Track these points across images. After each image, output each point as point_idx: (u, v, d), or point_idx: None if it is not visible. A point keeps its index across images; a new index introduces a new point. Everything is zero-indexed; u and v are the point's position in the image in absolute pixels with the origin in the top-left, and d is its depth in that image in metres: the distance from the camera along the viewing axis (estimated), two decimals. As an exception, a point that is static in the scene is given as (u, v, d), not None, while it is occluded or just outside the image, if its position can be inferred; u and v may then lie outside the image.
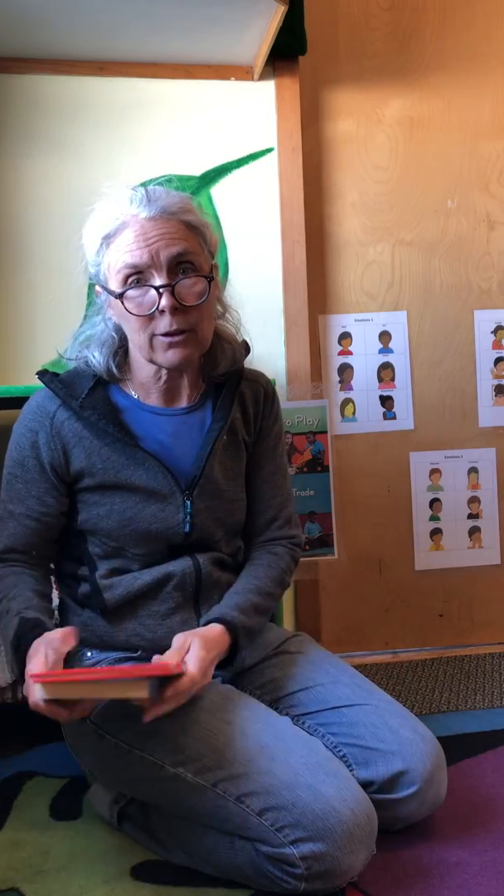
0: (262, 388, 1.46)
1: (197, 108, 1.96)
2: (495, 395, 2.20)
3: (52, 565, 1.39)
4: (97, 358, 1.33)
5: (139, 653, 1.31)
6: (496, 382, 2.20)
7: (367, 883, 1.16)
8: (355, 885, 1.15)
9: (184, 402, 1.36)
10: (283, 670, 1.38)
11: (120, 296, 1.24)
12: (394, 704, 1.32)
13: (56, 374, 1.34)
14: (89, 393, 1.31)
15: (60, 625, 1.38)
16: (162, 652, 1.28)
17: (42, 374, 1.34)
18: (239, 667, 1.36)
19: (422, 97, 2.14)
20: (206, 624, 1.28)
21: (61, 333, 1.88)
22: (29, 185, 1.90)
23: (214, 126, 1.97)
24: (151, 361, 1.29)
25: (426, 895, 1.14)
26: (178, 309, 1.23)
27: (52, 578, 1.61)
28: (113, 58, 1.89)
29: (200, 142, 1.97)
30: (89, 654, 1.33)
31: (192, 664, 1.17)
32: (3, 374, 1.88)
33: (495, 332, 2.19)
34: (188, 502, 1.31)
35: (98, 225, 1.27)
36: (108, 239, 1.26)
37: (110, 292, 1.27)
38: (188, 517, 1.31)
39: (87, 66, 1.90)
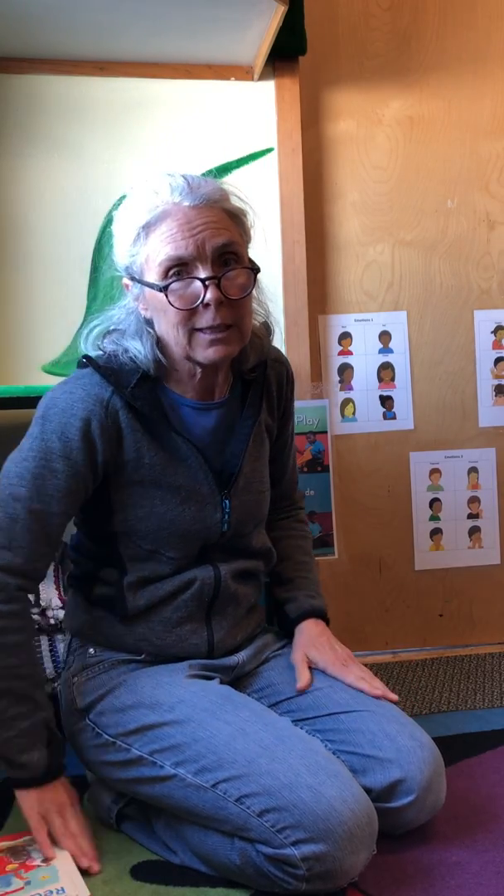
0: (285, 368, 1.43)
1: (197, 108, 1.96)
2: (495, 395, 2.20)
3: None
4: (140, 349, 1.23)
5: (143, 656, 1.31)
6: (496, 382, 2.20)
7: (367, 883, 1.16)
8: (356, 885, 1.15)
9: (216, 397, 1.30)
10: (282, 674, 1.37)
11: (164, 288, 1.16)
12: (392, 709, 1.29)
13: (97, 362, 1.25)
14: (138, 383, 1.23)
15: (64, 624, 1.38)
16: (167, 660, 1.30)
17: (89, 360, 1.25)
18: (240, 671, 1.36)
19: (422, 97, 2.14)
20: (298, 616, 1.39)
21: (61, 333, 1.90)
22: (29, 185, 1.90)
23: (214, 126, 1.97)
24: (187, 358, 1.21)
25: (426, 895, 1.14)
26: (222, 303, 1.17)
27: (52, 573, 1.61)
28: (113, 58, 1.89)
29: (200, 142, 1.97)
30: (92, 650, 1.33)
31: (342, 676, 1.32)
32: (2, 374, 1.88)
33: (495, 332, 2.19)
34: (226, 501, 1.29)
35: (135, 213, 1.20)
36: (147, 228, 1.18)
37: (149, 285, 1.19)
38: (226, 516, 1.29)
39: (88, 66, 1.90)
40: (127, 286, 1.26)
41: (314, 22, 2.02)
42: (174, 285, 1.17)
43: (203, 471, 1.27)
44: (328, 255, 2.13)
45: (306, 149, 2.03)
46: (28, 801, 1.20)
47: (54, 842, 1.20)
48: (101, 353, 1.26)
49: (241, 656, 1.36)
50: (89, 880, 1.19)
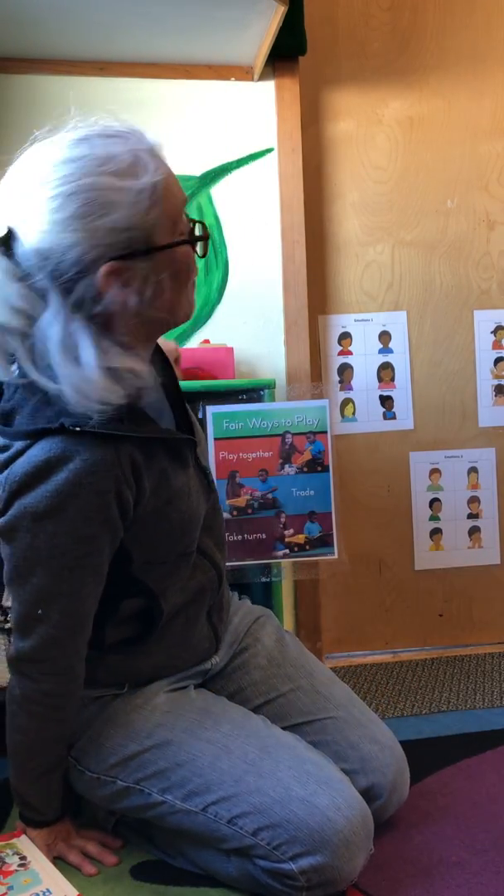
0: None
1: (197, 108, 1.96)
2: (495, 395, 2.20)
3: None
4: (139, 373, 1.05)
5: (125, 688, 1.25)
6: (496, 382, 2.20)
7: (367, 883, 1.16)
8: (356, 885, 1.15)
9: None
10: (249, 676, 1.36)
11: (197, 240, 1.07)
12: (352, 711, 1.30)
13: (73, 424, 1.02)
14: (126, 410, 1.05)
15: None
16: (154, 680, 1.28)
17: (65, 423, 1.01)
18: (212, 673, 1.35)
19: (422, 97, 2.14)
20: None
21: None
22: (29, 185, 1.90)
23: (214, 126, 1.97)
24: (174, 324, 1.11)
25: (426, 895, 1.14)
26: None
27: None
28: (113, 58, 1.89)
29: (200, 142, 1.97)
30: None
31: None
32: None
33: (495, 332, 2.19)
34: (205, 468, 1.25)
35: (142, 172, 1.01)
36: (161, 184, 1.03)
37: (174, 244, 1.04)
38: (208, 483, 1.25)
39: (88, 66, 1.90)
40: (118, 270, 1.01)
41: (314, 22, 2.02)
42: (195, 240, 1.07)
43: (188, 451, 1.18)
44: (328, 256, 2.13)
45: (306, 149, 2.03)
46: (38, 837, 1.22)
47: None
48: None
49: (214, 660, 1.35)
50: (90, 881, 1.19)
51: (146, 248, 1.02)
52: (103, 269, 1.00)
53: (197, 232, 1.09)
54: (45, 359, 1.01)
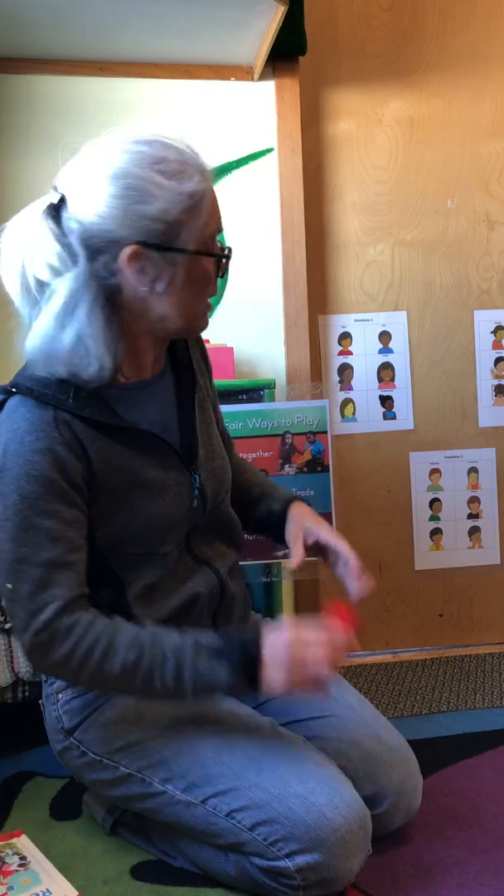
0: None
1: (197, 108, 1.96)
2: (495, 395, 2.20)
3: None
4: (104, 364, 1.10)
5: None
6: (496, 382, 2.20)
7: (367, 883, 1.16)
8: (356, 885, 1.15)
9: (148, 372, 1.22)
10: None
11: (218, 256, 1.15)
12: (360, 712, 1.29)
13: (24, 386, 1.12)
14: (77, 388, 1.11)
15: None
16: None
17: (16, 387, 1.12)
18: None
19: (422, 97, 2.14)
20: (281, 509, 1.37)
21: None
22: (29, 185, 1.90)
23: (214, 126, 1.97)
24: (181, 329, 1.17)
25: (426, 895, 1.14)
26: None
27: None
28: (113, 58, 1.89)
29: (200, 142, 1.96)
30: None
31: (341, 546, 1.28)
32: (3, 374, 1.87)
33: (495, 332, 2.19)
34: (196, 477, 1.23)
35: (188, 177, 1.11)
36: (205, 196, 1.12)
37: (199, 252, 1.12)
38: (197, 492, 1.23)
39: (87, 66, 1.90)
40: (139, 255, 1.09)
41: (314, 22, 2.02)
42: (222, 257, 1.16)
43: (168, 455, 1.20)
44: (328, 255, 2.13)
45: (306, 149, 2.03)
46: (269, 685, 1.07)
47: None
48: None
49: None
50: (90, 881, 1.19)
51: (169, 244, 1.10)
52: (126, 249, 1.09)
53: (223, 253, 1.17)
54: (42, 312, 1.10)
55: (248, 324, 2.00)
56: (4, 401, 1.13)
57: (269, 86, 1.99)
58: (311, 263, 2.04)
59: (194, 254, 1.12)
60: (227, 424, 1.45)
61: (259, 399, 1.81)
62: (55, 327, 1.08)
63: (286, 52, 1.92)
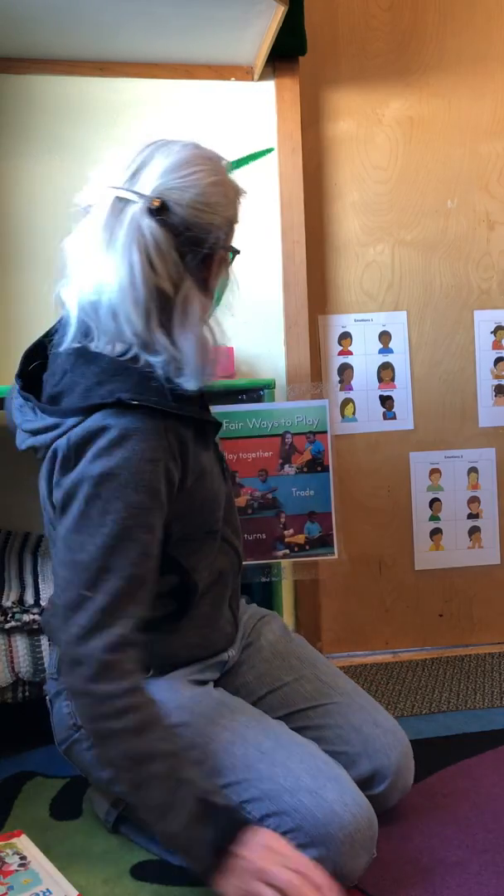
0: None
1: (197, 108, 1.96)
2: (495, 395, 2.20)
3: None
4: (174, 344, 1.14)
5: (150, 673, 1.27)
6: (496, 382, 2.20)
7: (367, 883, 1.16)
8: (356, 884, 1.15)
9: None
10: (254, 669, 1.39)
11: (236, 252, 1.23)
12: (355, 697, 1.34)
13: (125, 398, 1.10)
14: (161, 387, 1.12)
15: None
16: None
17: (118, 398, 1.09)
18: (228, 667, 1.37)
19: (422, 97, 2.14)
20: None
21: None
22: (29, 185, 1.90)
23: (214, 126, 1.97)
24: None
25: (426, 895, 1.14)
26: None
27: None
28: (113, 58, 1.89)
29: (200, 142, 1.96)
30: None
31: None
32: (4, 374, 1.87)
33: (495, 332, 2.19)
34: (222, 455, 1.32)
35: (236, 190, 1.24)
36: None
37: (234, 250, 1.23)
38: (226, 465, 1.31)
39: (87, 66, 1.90)
40: (224, 259, 1.21)
41: (314, 22, 2.02)
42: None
43: (211, 435, 1.25)
44: (328, 255, 2.13)
45: (306, 149, 2.03)
46: (223, 887, 1.04)
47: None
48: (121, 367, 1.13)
49: (231, 653, 1.37)
50: (90, 881, 1.19)
51: (228, 246, 1.20)
52: (220, 253, 1.17)
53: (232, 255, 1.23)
54: (171, 322, 1.12)
55: (249, 324, 2.00)
56: (111, 408, 1.09)
57: (269, 86, 1.99)
58: (311, 263, 2.04)
59: (232, 251, 1.24)
60: (226, 425, 1.48)
61: (259, 399, 1.81)
62: (192, 328, 1.14)
63: (286, 52, 1.92)
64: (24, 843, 1.20)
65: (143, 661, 1.10)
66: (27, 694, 1.56)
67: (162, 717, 1.08)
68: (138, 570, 1.08)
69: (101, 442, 1.08)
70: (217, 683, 1.35)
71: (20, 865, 1.16)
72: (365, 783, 1.24)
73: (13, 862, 1.17)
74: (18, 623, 1.51)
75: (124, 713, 1.04)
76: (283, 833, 1.09)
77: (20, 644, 1.52)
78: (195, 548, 1.22)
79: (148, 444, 1.08)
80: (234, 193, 1.21)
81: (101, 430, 1.08)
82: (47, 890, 1.11)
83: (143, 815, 1.08)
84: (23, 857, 1.17)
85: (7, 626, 1.52)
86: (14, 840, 1.21)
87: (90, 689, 1.04)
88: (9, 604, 1.54)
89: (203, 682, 1.31)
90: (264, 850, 1.02)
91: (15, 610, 1.52)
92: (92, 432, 1.08)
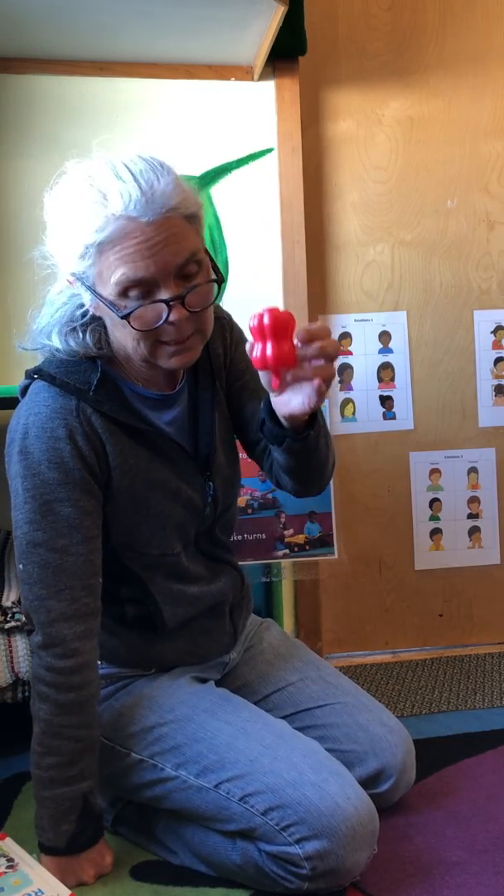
0: (224, 321, 1.33)
1: (197, 108, 1.96)
2: (495, 395, 2.20)
3: None
4: (90, 344, 1.15)
5: (152, 671, 1.30)
6: (496, 382, 2.20)
7: (367, 883, 1.16)
8: (356, 885, 1.15)
9: (176, 386, 1.25)
10: (256, 670, 1.40)
11: (126, 316, 1.07)
12: (360, 697, 1.36)
13: (48, 372, 1.16)
14: (100, 383, 1.15)
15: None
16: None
17: (38, 373, 1.16)
18: (229, 668, 1.39)
19: (422, 97, 2.14)
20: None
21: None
22: (29, 185, 1.90)
23: (214, 126, 1.97)
24: (146, 362, 1.14)
25: (426, 895, 1.14)
26: (187, 318, 1.09)
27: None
28: (113, 58, 1.89)
29: (200, 142, 1.97)
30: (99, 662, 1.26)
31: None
32: (4, 374, 1.87)
33: (495, 332, 2.19)
34: (210, 483, 1.27)
35: (81, 226, 1.06)
36: (101, 247, 1.05)
37: (106, 303, 1.09)
38: (211, 498, 1.28)
39: (87, 66, 1.90)
40: (70, 283, 1.13)
41: (314, 22, 2.02)
42: (135, 312, 1.06)
43: (184, 460, 1.24)
44: (328, 255, 2.13)
45: (306, 149, 2.03)
46: (49, 864, 1.16)
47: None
48: (44, 352, 1.19)
49: (232, 655, 1.39)
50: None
51: (90, 286, 1.13)
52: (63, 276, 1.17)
53: (127, 312, 1.08)
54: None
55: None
56: (28, 384, 1.18)
57: (269, 86, 1.99)
58: (311, 263, 2.04)
59: (105, 303, 1.09)
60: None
61: (259, 399, 1.81)
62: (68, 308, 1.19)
63: (286, 52, 1.92)
64: (9, 845, 1.20)
65: (93, 636, 1.17)
66: (27, 694, 1.56)
67: (92, 706, 1.17)
68: (67, 540, 1.13)
69: (17, 420, 1.16)
70: (218, 684, 1.35)
71: (8, 867, 1.16)
72: (370, 781, 1.26)
73: (1, 864, 1.17)
74: (18, 623, 1.51)
75: (60, 687, 1.14)
76: (286, 826, 1.09)
77: (20, 644, 1.52)
78: (151, 563, 1.25)
79: (56, 421, 1.13)
80: (72, 239, 1.11)
81: (18, 410, 1.17)
82: (38, 890, 1.11)
83: (32, 773, 1.17)
84: (10, 860, 1.17)
85: (7, 626, 1.52)
86: None
87: (39, 654, 1.15)
88: (9, 604, 1.54)
89: (204, 681, 1.32)
90: (89, 864, 1.18)
91: (15, 610, 1.53)
92: (16, 412, 1.17)
